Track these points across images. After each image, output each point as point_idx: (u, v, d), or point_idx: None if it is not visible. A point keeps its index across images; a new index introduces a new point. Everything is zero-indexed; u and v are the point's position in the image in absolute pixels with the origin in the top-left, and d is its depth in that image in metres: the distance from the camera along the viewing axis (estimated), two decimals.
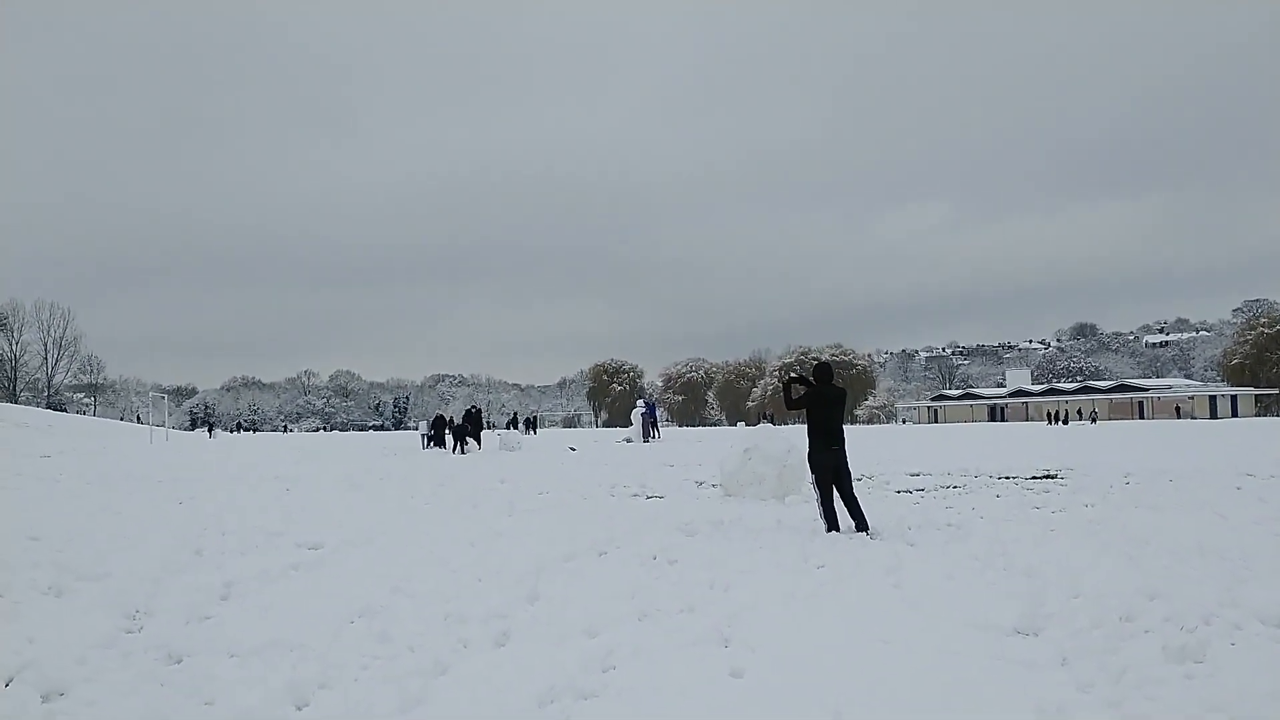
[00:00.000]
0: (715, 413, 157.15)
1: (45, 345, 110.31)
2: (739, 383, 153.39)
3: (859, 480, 10.92)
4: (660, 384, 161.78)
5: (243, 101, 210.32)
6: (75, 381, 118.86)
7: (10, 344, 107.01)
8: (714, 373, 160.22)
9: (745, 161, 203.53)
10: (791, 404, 10.74)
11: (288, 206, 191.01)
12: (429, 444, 38.61)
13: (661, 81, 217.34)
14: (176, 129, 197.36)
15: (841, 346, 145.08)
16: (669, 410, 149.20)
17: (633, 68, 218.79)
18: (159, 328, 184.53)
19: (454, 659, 5.67)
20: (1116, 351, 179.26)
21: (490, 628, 6.29)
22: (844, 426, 10.63)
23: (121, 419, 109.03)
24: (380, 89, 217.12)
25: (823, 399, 10.45)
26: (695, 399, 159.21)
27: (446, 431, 36.47)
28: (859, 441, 11.12)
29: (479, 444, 34.53)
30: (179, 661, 5.68)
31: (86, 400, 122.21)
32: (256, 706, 4.85)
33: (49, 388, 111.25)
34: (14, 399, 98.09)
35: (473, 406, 38.26)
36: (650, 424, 39.59)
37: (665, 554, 9.06)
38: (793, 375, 10.77)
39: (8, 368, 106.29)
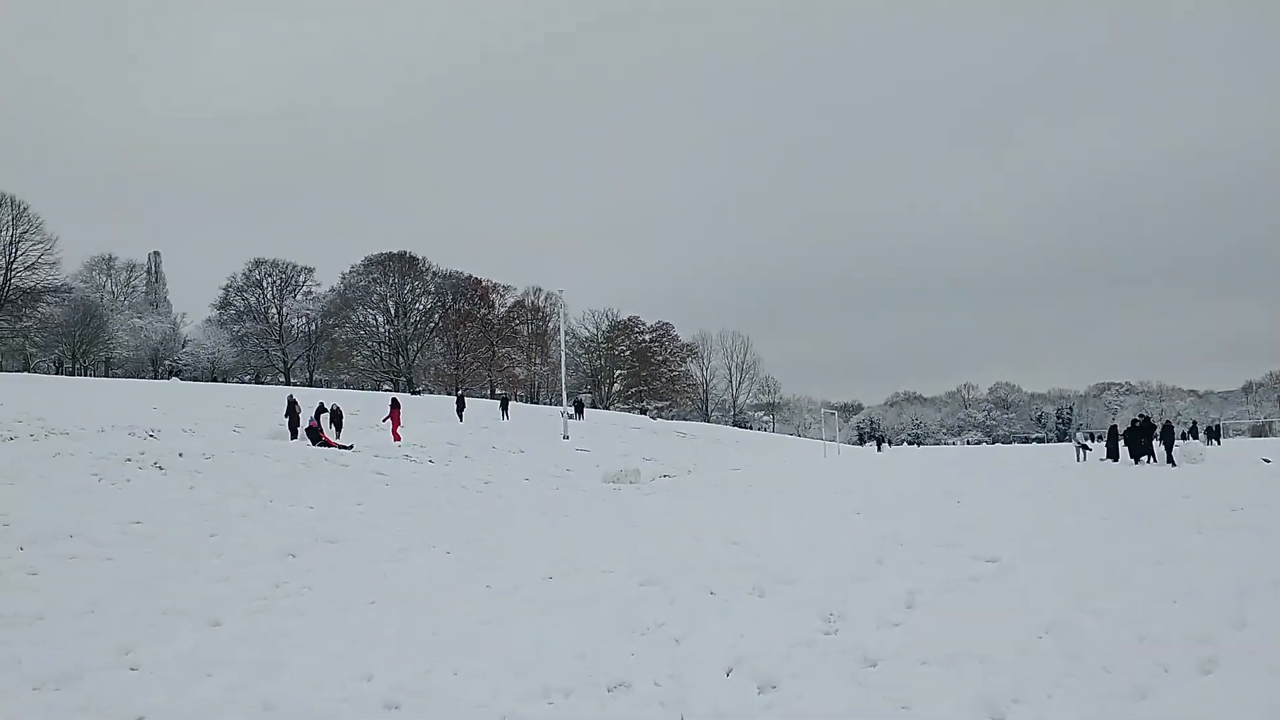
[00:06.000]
0: None
1: (729, 369, 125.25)
2: None
3: None
4: None
5: (900, 130, 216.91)
6: (755, 401, 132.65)
7: (702, 369, 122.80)
8: None
9: None
10: None
11: (945, 228, 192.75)
12: (1084, 455, 36.35)
13: None
14: (823, 173, 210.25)
15: None
16: None
17: None
18: (826, 350, 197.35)
19: (1154, 683, 5.34)
20: None
21: (1193, 653, 5.82)
22: None
23: (796, 434, 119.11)
24: (1025, 104, 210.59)
25: None
26: None
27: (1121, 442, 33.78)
28: None
29: (1153, 456, 31.45)
30: (874, 665, 5.94)
31: (765, 418, 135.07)
32: (951, 714, 4.91)
33: (734, 407, 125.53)
34: (706, 418, 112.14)
35: (1139, 416, 35.26)
36: None
37: None
38: None
39: (701, 390, 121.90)
